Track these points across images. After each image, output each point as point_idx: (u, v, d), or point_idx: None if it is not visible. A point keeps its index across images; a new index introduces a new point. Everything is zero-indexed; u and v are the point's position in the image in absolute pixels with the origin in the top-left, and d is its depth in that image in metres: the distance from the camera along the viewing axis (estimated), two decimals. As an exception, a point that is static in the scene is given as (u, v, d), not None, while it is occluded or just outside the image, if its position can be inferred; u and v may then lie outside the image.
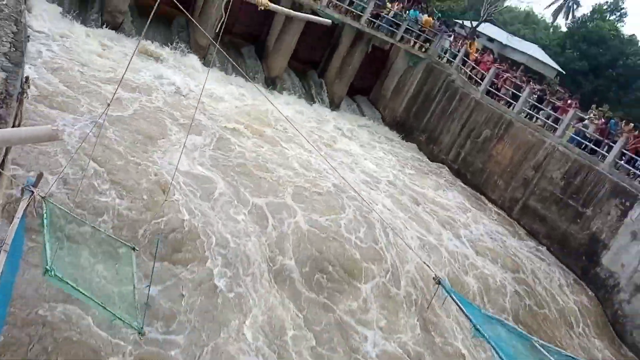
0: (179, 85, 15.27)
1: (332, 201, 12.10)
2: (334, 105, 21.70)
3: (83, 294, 4.99)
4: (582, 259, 15.40)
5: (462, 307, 6.34)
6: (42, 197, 5.10)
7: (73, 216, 6.08)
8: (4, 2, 7.13)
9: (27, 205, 3.96)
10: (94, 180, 8.63)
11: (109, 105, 4.39)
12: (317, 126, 18.48)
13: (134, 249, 5.89)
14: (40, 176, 4.42)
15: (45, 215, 4.89)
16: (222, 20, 4.26)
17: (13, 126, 6.16)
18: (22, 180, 6.43)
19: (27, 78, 6.50)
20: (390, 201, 14.10)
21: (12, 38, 6.31)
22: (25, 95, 6.32)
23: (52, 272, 4.46)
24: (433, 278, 6.28)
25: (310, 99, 21.04)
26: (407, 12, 22.13)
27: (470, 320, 6.10)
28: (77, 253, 6.69)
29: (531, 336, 6.20)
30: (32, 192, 4.07)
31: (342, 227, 11.14)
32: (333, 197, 12.34)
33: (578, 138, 16.83)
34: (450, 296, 5.84)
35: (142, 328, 4.99)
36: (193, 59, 17.98)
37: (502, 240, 15.02)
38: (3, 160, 5.25)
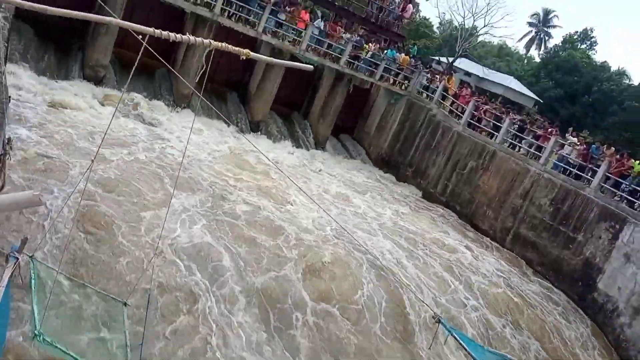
0: (164, 138, 15.19)
1: (342, 270, 10.91)
2: (320, 146, 21.84)
3: (73, 357, 4.79)
4: (578, 284, 15.32)
5: (464, 344, 6.19)
6: (30, 257, 4.94)
7: (61, 273, 5.90)
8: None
9: (12, 272, 3.81)
10: (81, 238, 8.43)
11: (92, 162, 4.31)
12: (307, 169, 18.37)
13: (125, 304, 5.71)
14: (24, 241, 4.29)
15: (32, 276, 4.73)
16: (204, 70, 4.25)
17: (-5, 187, 6.02)
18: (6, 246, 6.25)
19: (9, 139, 6.41)
20: (391, 244, 13.59)
21: (-7, 99, 6.25)
22: (7, 157, 6.21)
23: (41, 337, 4.30)
24: (432, 317, 6.14)
25: (296, 141, 21.16)
26: (385, 52, 22.67)
27: (474, 358, 5.95)
28: (67, 312, 6.46)
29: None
30: (17, 258, 3.93)
31: (359, 314, 9.96)
32: (343, 263, 11.10)
33: (562, 164, 17.03)
34: (452, 334, 5.70)
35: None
36: (179, 113, 18.06)
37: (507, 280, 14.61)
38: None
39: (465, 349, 6.31)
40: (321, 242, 11.81)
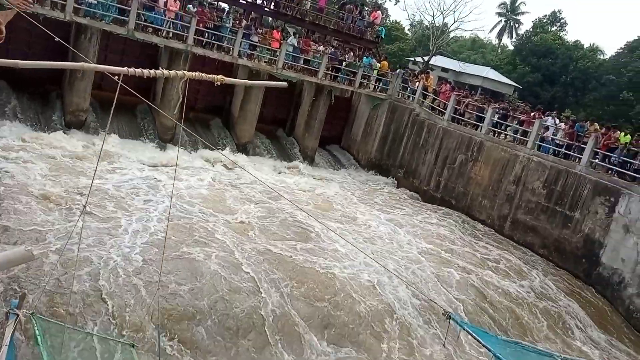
0: (155, 178, 15.05)
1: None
2: (309, 159, 21.89)
3: None
4: (582, 261, 15.37)
5: (477, 337, 6.19)
6: (31, 314, 4.89)
7: (65, 326, 5.85)
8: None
9: (14, 329, 3.79)
10: (82, 288, 8.37)
11: (83, 212, 4.32)
12: (308, 188, 18.25)
13: (133, 345, 5.67)
14: (23, 297, 4.27)
15: (37, 332, 4.69)
16: (181, 100, 4.30)
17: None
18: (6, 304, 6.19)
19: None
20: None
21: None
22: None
23: None
24: (442, 314, 6.15)
25: (286, 159, 21.20)
26: (361, 60, 22.91)
27: (489, 349, 5.95)
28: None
29: (553, 352, 6.06)
30: (17, 314, 3.90)
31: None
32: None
33: (550, 146, 17.18)
34: (464, 329, 5.71)
35: None
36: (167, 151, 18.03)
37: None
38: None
39: (479, 341, 6.31)
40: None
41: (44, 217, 10.52)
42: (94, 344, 6.50)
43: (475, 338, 5.95)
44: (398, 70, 24.14)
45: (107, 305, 8.14)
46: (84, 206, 4.38)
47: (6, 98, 16.82)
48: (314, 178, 19.82)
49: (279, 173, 19.51)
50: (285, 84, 4.36)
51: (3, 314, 4.26)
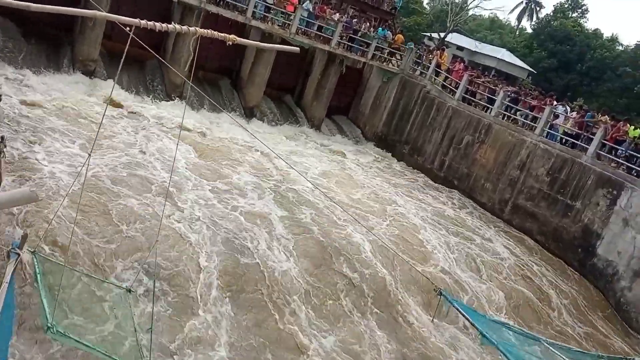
0: (159, 126, 15.19)
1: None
2: (315, 127, 21.82)
3: (86, 345, 4.89)
4: (577, 251, 15.46)
5: (466, 315, 6.29)
6: (32, 252, 4.99)
7: (65, 266, 5.97)
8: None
9: (15, 268, 3.87)
10: (83, 228, 8.50)
11: (89, 155, 4.35)
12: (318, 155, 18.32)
13: (129, 290, 5.79)
14: (25, 237, 4.34)
15: (37, 271, 4.79)
16: (192, 58, 4.27)
17: (-7, 185, 6.07)
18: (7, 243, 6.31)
19: (2, 137, 6.43)
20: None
21: (-16, 99, 6.25)
22: (2, 154, 6.24)
23: (54, 329, 4.37)
24: (434, 290, 6.24)
25: (295, 122, 21.19)
26: (376, 31, 22.53)
27: (476, 328, 6.05)
28: (74, 303, 6.55)
29: (540, 337, 6.16)
30: (18, 254, 3.98)
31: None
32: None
33: (558, 134, 17.05)
34: (454, 306, 5.80)
35: (149, 372, 4.86)
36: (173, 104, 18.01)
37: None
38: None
39: (468, 319, 6.42)
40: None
41: (55, 155, 10.64)
42: (91, 287, 6.65)
43: (463, 315, 6.05)
44: (409, 43, 23.68)
45: (107, 249, 8.27)
46: (89, 154, 4.42)
47: (17, 43, 16.66)
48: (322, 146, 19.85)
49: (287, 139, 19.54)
50: (297, 49, 4.32)
51: (4, 252, 4.35)
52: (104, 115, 4.89)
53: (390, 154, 21.78)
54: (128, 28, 3.42)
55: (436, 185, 19.25)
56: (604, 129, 15.71)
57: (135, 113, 16.06)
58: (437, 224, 15.06)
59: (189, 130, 15.73)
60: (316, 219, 12.34)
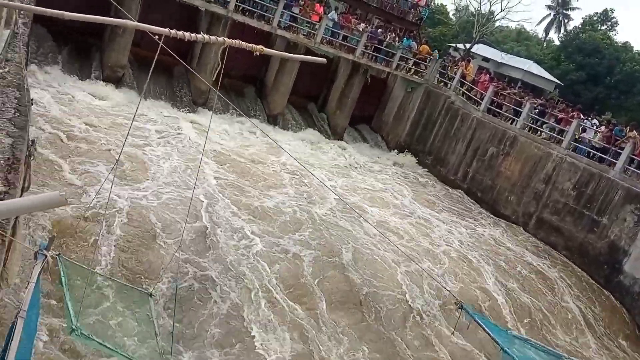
0: (187, 136, 15.32)
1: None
2: (337, 136, 21.86)
3: (109, 347, 4.97)
4: (603, 267, 15.12)
5: (487, 329, 6.20)
6: (57, 255, 5.10)
7: (88, 270, 6.10)
8: (6, 70, 7.31)
9: (42, 268, 3.96)
10: (109, 235, 8.66)
11: (117, 161, 4.45)
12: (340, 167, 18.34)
13: (150, 295, 5.87)
14: (52, 239, 4.43)
15: (62, 273, 4.89)
16: (219, 67, 4.34)
17: (22, 189, 6.22)
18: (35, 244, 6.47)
19: (33, 141, 6.59)
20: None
21: (16, 103, 6.43)
22: (32, 158, 6.40)
23: (78, 331, 4.45)
24: (455, 303, 6.17)
25: (317, 131, 21.23)
26: (401, 41, 22.54)
27: (497, 343, 5.96)
28: (97, 307, 6.68)
29: (561, 353, 6.04)
30: (45, 255, 4.06)
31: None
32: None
33: (585, 147, 16.76)
34: (475, 320, 5.72)
35: (170, 374, 4.91)
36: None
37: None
38: (14, 225, 5.28)
39: (489, 334, 6.32)
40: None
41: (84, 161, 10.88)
42: (113, 290, 6.77)
43: (484, 330, 5.96)
44: (435, 51, 23.52)
45: (130, 254, 8.41)
46: (117, 160, 4.52)
47: (47, 47, 17.13)
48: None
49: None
50: (324, 60, 4.34)
51: (32, 254, 4.47)
52: (131, 126, 5.00)
53: (415, 160, 21.58)
54: (157, 37, 3.50)
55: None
56: (632, 143, 15.39)
57: (163, 119, 16.35)
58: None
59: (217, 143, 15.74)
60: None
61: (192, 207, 10.57)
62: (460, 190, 19.50)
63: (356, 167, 18.93)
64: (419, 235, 13.85)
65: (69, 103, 14.69)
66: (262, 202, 12.30)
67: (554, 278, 14.26)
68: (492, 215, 17.86)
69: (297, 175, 15.08)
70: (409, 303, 10.35)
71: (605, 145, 16.33)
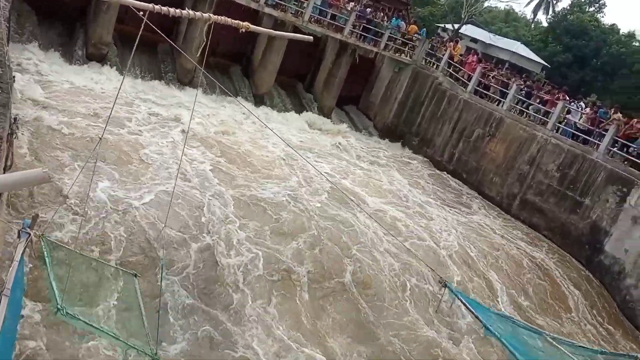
0: (168, 115, 15.19)
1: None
2: (325, 116, 21.78)
3: (95, 327, 4.98)
4: (585, 248, 15.40)
5: (470, 307, 6.32)
6: (40, 236, 5.07)
7: (72, 250, 6.07)
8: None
9: (25, 247, 3.94)
10: (92, 214, 8.60)
11: (100, 139, 4.40)
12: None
13: (135, 275, 5.87)
14: (35, 217, 4.40)
15: (45, 253, 4.86)
16: (205, 44, 4.29)
17: (4, 167, 6.14)
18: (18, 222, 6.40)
19: (15, 119, 6.49)
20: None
21: (-2, 80, 6.31)
22: (15, 136, 6.31)
23: (64, 311, 4.45)
24: (439, 281, 6.27)
25: (304, 111, 21.11)
26: (389, 21, 22.37)
27: (480, 320, 6.07)
28: (82, 287, 6.67)
29: (542, 330, 6.18)
30: (29, 234, 4.04)
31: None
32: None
33: (569, 129, 16.91)
34: (458, 297, 5.83)
35: (155, 353, 4.93)
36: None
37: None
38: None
39: (472, 312, 6.44)
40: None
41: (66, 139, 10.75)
42: (98, 271, 6.75)
43: (467, 308, 6.07)
44: (422, 29, 23.39)
45: (114, 235, 8.37)
46: (100, 138, 4.47)
47: (33, 23, 16.75)
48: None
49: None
50: (311, 38, 4.32)
51: (15, 231, 4.44)
52: (113, 105, 4.93)
53: (400, 144, 21.61)
54: (142, 12, 3.44)
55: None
56: (616, 125, 15.57)
57: (147, 98, 16.13)
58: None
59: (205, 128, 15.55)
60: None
61: (178, 186, 10.53)
62: (445, 172, 19.62)
63: (344, 149, 18.91)
64: (405, 217, 13.96)
65: (51, 81, 14.42)
66: (251, 189, 12.32)
67: (539, 258, 14.50)
68: (478, 196, 18.10)
69: (286, 159, 15.07)
70: (398, 285, 10.49)
71: (590, 127, 16.49)
